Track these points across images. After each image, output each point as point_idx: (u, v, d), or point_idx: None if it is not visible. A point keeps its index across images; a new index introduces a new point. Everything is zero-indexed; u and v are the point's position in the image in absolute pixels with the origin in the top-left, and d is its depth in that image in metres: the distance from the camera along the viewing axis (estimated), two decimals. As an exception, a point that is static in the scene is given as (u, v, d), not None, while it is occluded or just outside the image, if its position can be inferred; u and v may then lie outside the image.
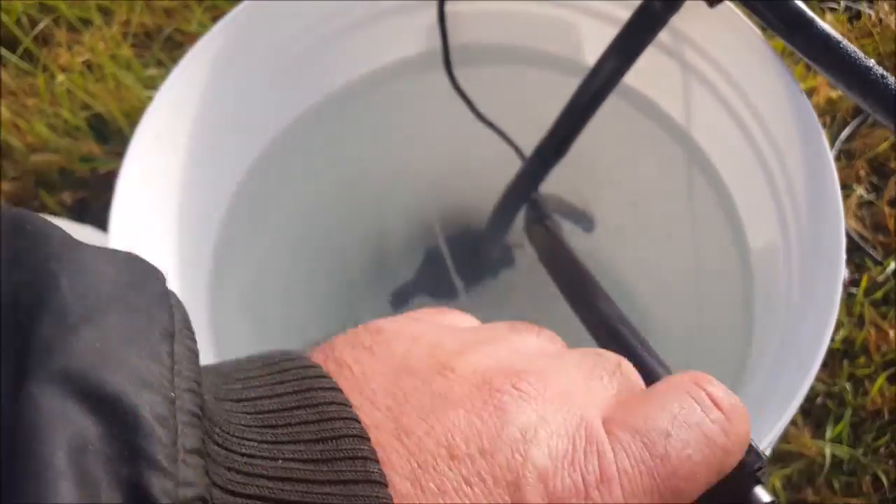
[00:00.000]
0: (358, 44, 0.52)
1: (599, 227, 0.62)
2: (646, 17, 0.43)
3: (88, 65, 0.92)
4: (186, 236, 0.44)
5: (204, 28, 0.96)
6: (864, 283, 0.80)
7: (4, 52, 0.94)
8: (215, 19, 0.96)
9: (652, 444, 0.17)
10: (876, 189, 0.87)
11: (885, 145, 0.88)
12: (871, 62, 0.37)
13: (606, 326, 0.37)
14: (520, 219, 0.61)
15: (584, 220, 0.63)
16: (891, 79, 0.36)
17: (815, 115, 0.39)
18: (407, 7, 0.52)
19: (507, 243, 0.69)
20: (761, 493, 0.28)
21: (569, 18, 0.51)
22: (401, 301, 0.73)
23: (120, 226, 0.38)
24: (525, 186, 0.55)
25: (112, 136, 0.89)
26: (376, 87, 0.55)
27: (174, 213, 0.43)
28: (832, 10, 1.01)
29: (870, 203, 0.87)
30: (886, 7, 1.00)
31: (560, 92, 0.50)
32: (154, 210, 0.42)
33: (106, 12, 0.97)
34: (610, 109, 0.49)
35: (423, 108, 0.57)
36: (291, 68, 0.51)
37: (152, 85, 0.90)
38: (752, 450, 0.29)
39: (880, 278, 0.81)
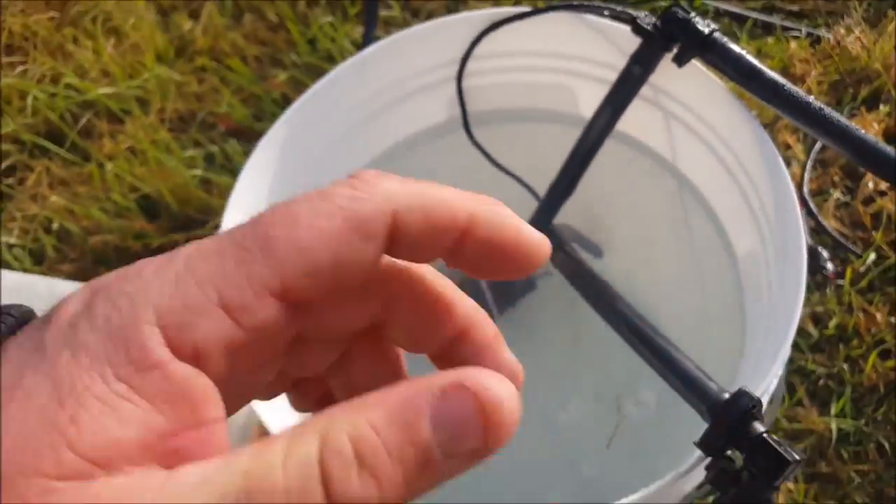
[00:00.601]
0: (394, 117, 0.63)
1: (608, 251, 0.72)
2: (628, 79, 0.54)
3: (132, 151, 1.03)
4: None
5: (233, 109, 1.07)
6: (849, 275, 0.89)
7: (53, 146, 1.05)
8: (243, 101, 1.08)
9: None
10: (850, 191, 0.97)
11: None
12: (811, 98, 0.47)
13: (629, 325, 0.47)
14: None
15: (593, 248, 0.72)
16: (826, 109, 0.46)
17: (772, 142, 0.49)
18: (431, 85, 0.62)
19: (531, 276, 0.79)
20: (757, 425, 0.38)
21: (566, 82, 0.62)
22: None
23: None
24: (542, 220, 0.65)
25: (160, 213, 0.99)
26: (411, 150, 0.65)
27: None
28: (795, 37, 1.13)
29: (846, 204, 0.96)
30: (843, 31, 1.11)
31: (563, 141, 0.60)
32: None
33: (142, 102, 1.08)
34: (608, 151, 0.59)
35: (450, 164, 0.67)
36: (342, 142, 0.61)
37: (193, 164, 1.01)
38: (745, 394, 0.39)
39: (862, 269, 0.90)
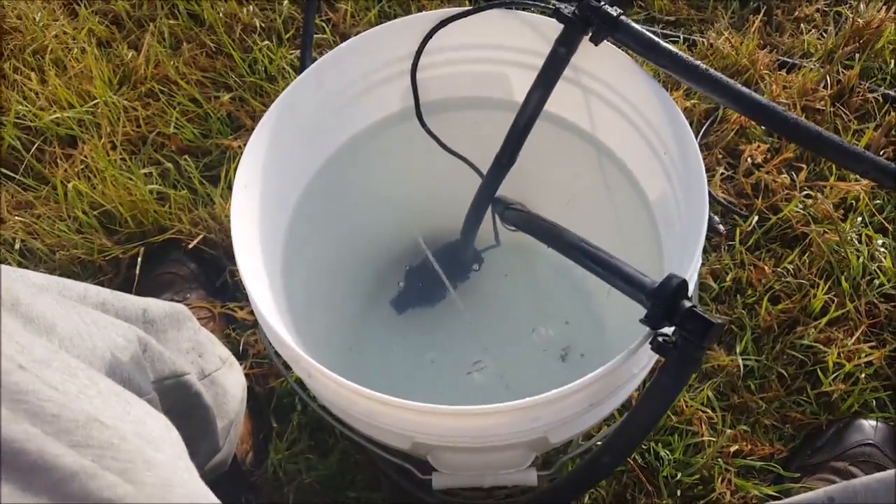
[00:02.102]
0: (357, 109, 0.73)
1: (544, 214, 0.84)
2: (555, 59, 0.66)
3: (89, 171, 1.07)
4: (266, 243, 0.63)
5: (181, 130, 1.13)
6: (738, 236, 1.05)
7: (8, 172, 1.07)
8: (189, 121, 1.14)
9: None
10: (732, 167, 1.14)
11: (731, 135, 1.16)
12: (698, 62, 0.61)
13: (578, 249, 0.58)
14: (486, 223, 0.82)
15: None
16: (710, 70, 0.60)
17: (675, 104, 0.63)
18: (389, 78, 0.73)
19: (476, 247, 0.90)
20: (686, 302, 0.50)
21: (503, 71, 0.74)
22: (401, 306, 0.91)
23: (237, 234, 0.57)
24: (488, 190, 0.76)
25: (120, 227, 1.03)
26: (373, 138, 0.76)
27: (258, 226, 0.62)
28: (674, 42, 1.32)
29: (731, 177, 1.13)
30: (714, 35, 1.31)
31: (502, 125, 0.72)
32: (249, 227, 0.61)
33: (90, 127, 1.12)
34: (538, 130, 0.71)
35: (405, 149, 0.78)
36: (314, 132, 0.70)
37: (149, 180, 1.06)
38: (673, 276, 0.50)
39: (749, 230, 1.06)
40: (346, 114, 0.73)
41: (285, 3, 1.28)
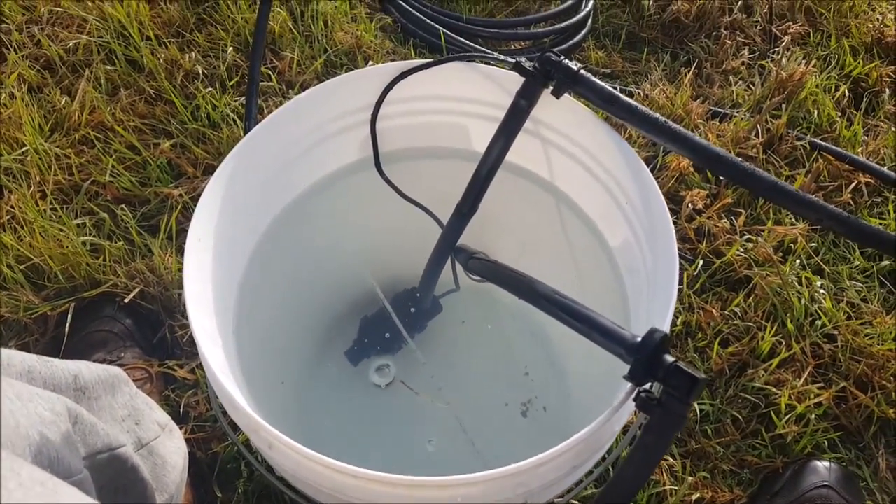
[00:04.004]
0: (314, 158, 0.71)
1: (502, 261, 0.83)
2: (517, 111, 0.67)
3: (17, 222, 0.99)
4: (220, 298, 0.59)
5: (117, 178, 1.08)
6: (685, 280, 1.08)
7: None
8: (127, 168, 1.09)
9: None
10: (675, 213, 1.18)
11: (672, 182, 1.20)
12: (657, 115, 0.62)
13: (549, 300, 0.57)
14: (446, 272, 0.81)
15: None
16: (669, 122, 0.62)
17: (631, 149, 0.64)
18: (347, 128, 0.72)
19: (435, 296, 0.88)
20: (668, 357, 0.49)
21: (461, 122, 0.74)
22: (356, 357, 0.88)
23: (191, 293, 0.53)
24: (449, 239, 0.75)
25: (49, 282, 0.96)
26: (329, 187, 0.73)
27: (212, 280, 0.59)
28: (611, 95, 1.36)
29: (674, 223, 1.16)
30: (649, 86, 1.37)
31: (460, 174, 0.71)
32: (202, 284, 0.57)
33: (18, 175, 1.05)
34: (497, 178, 0.71)
35: (363, 199, 0.76)
36: (270, 182, 0.68)
37: (85, 231, 1.00)
38: (655, 330, 0.50)
39: (695, 274, 1.09)
40: (303, 164, 0.71)
41: (229, 50, 1.26)
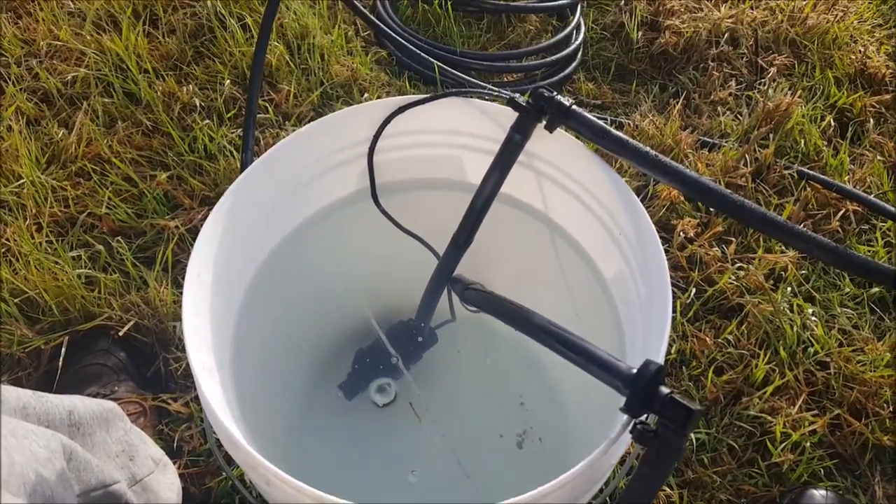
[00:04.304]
0: (312, 191, 0.72)
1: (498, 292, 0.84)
2: (511, 144, 0.68)
3: (12, 255, 0.99)
4: (217, 331, 0.60)
5: (113, 210, 1.08)
6: (679, 308, 1.09)
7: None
8: (123, 200, 1.10)
9: None
10: (666, 241, 1.19)
11: (663, 211, 1.22)
12: (648, 148, 0.64)
13: (546, 332, 0.58)
14: (442, 302, 0.82)
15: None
16: (659, 155, 0.63)
17: (623, 181, 0.65)
18: (345, 161, 0.73)
19: (431, 326, 0.88)
20: (664, 388, 0.50)
21: (456, 154, 0.75)
22: (350, 390, 0.88)
23: (190, 328, 0.53)
24: (445, 271, 0.76)
25: (43, 315, 0.96)
26: (327, 218, 0.74)
27: (210, 313, 0.59)
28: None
29: (666, 251, 1.17)
30: (639, 117, 1.39)
31: (455, 205, 0.72)
32: (201, 318, 0.57)
33: (15, 208, 1.06)
34: (492, 210, 0.72)
35: (360, 229, 0.77)
36: (270, 214, 0.69)
37: (77, 264, 1.00)
38: (650, 362, 0.50)
39: (688, 302, 1.10)
40: (301, 195, 0.72)
41: (227, 83, 1.27)
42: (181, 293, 0.98)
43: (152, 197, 1.11)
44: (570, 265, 0.76)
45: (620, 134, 0.63)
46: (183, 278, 1.00)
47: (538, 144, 0.71)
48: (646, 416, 0.51)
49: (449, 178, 0.78)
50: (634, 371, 0.51)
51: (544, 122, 0.67)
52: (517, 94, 0.67)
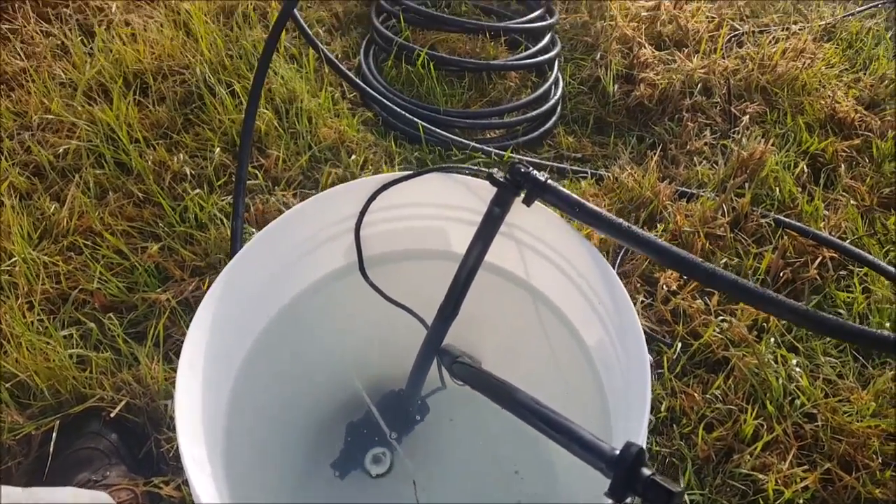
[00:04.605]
0: (301, 268, 0.74)
1: (486, 363, 0.85)
2: (491, 218, 0.71)
3: (5, 337, 1.00)
4: (208, 418, 0.60)
5: (105, 285, 1.09)
6: (665, 364, 1.10)
7: None
8: (115, 274, 1.11)
9: None
10: (650, 294, 1.21)
11: (645, 264, 1.24)
12: (621, 220, 0.66)
13: (530, 410, 0.60)
14: (432, 372, 0.83)
15: (474, 361, 0.86)
16: (633, 227, 0.66)
17: (599, 253, 0.67)
18: (332, 237, 0.75)
19: (422, 395, 0.89)
20: (645, 470, 0.51)
21: (440, 226, 0.78)
22: (343, 468, 0.88)
23: (182, 422, 0.54)
24: (434, 342, 0.77)
25: (34, 400, 0.95)
26: (317, 293, 0.76)
27: (201, 402, 0.60)
28: (583, 178, 1.42)
29: (650, 305, 1.20)
30: (618, 170, 1.42)
31: (441, 273, 0.74)
32: (192, 411, 0.58)
33: (6, 288, 1.07)
34: (479, 279, 0.74)
35: (350, 301, 0.79)
36: (259, 295, 0.70)
37: (68, 344, 1.00)
38: (631, 444, 0.52)
39: (675, 357, 1.11)
40: (291, 273, 0.74)
41: (217, 150, 1.30)
42: (172, 369, 0.99)
43: (143, 269, 1.12)
44: (554, 332, 0.78)
45: (595, 207, 0.66)
46: (174, 353, 1.02)
47: (518, 216, 0.73)
48: (630, 499, 0.52)
49: (434, 249, 0.81)
50: (617, 452, 0.52)
51: (522, 196, 0.69)
52: (495, 170, 0.69)
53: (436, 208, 0.77)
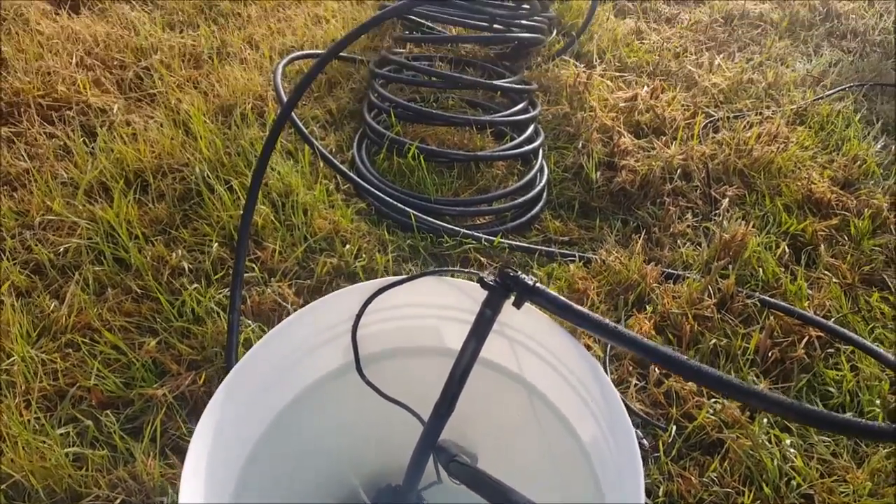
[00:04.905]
0: (300, 370, 0.76)
1: (482, 456, 0.86)
2: (483, 319, 0.73)
3: (2, 437, 1.00)
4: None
5: (102, 381, 1.10)
6: (661, 447, 1.11)
7: None
8: (112, 371, 1.12)
9: None
10: (643, 377, 1.23)
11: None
12: (606, 319, 0.69)
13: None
14: (429, 465, 0.83)
15: (471, 456, 0.86)
16: (618, 326, 0.69)
17: (589, 353, 0.70)
18: (329, 339, 0.77)
19: (419, 490, 0.89)
20: None
21: (434, 324, 0.80)
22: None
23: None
24: (429, 439, 0.78)
25: (29, 501, 0.95)
26: (315, 392, 0.78)
27: (204, 496, 0.60)
28: (572, 261, 1.46)
29: (644, 388, 1.21)
30: (605, 253, 1.47)
31: (437, 369, 0.76)
32: (195, 497, 0.59)
33: (5, 387, 1.07)
34: (475, 374, 0.76)
35: (348, 400, 0.80)
36: (258, 401, 0.72)
37: (65, 442, 1.01)
38: None
39: (670, 440, 1.12)
40: (289, 377, 0.76)
41: (214, 245, 1.34)
42: (168, 465, 0.99)
43: (140, 365, 1.13)
44: (549, 427, 0.79)
45: (582, 309, 0.69)
46: (171, 449, 1.02)
47: (509, 315, 0.76)
48: None
49: (428, 346, 0.83)
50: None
51: (512, 298, 0.72)
52: (485, 273, 0.73)
53: (429, 308, 0.80)
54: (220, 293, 1.27)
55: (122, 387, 1.11)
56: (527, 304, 0.75)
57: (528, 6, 1.95)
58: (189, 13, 2.20)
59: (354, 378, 0.80)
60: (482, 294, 0.74)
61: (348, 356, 0.79)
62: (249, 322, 1.22)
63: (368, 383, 0.80)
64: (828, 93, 2.08)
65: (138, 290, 1.26)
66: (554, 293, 0.71)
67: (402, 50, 2.06)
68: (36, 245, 1.33)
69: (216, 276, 1.30)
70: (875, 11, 2.68)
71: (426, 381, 0.78)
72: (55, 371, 1.11)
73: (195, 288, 1.25)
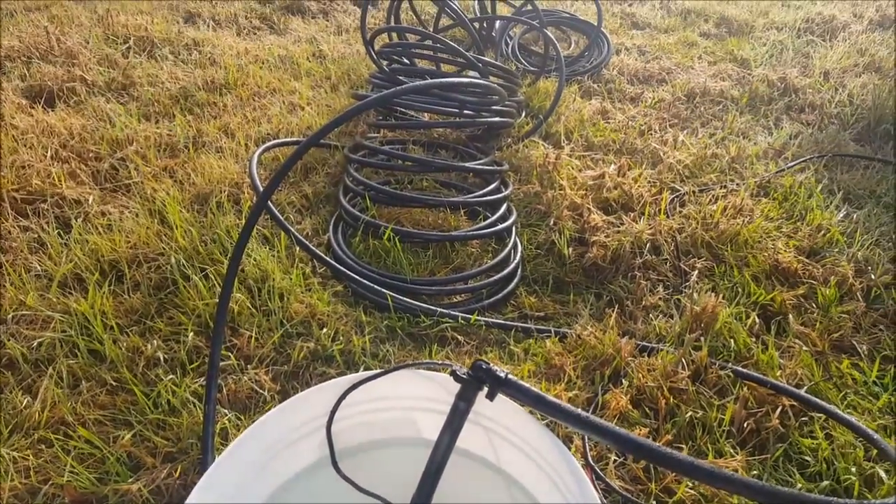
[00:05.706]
0: (273, 469, 0.76)
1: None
2: (457, 411, 0.75)
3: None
4: None
5: (76, 477, 1.08)
6: (643, 525, 1.10)
7: None
8: (86, 466, 1.10)
9: None
10: (622, 453, 1.23)
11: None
12: (578, 409, 0.70)
13: None
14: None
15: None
16: (589, 415, 0.70)
17: (562, 444, 0.71)
18: (304, 436, 0.78)
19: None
20: None
21: (410, 416, 0.81)
22: None
23: None
24: (409, 533, 0.78)
25: None
26: (289, 490, 0.77)
27: None
28: (548, 337, 1.48)
29: (623, 463, 1.22)
30: (579, 328, 1.49)
31: (414, 459, 0.77)
32: None
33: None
34: (452, 463, 0.76)
35: (324, 496, 0.80)
36: (237, 495, 0.72)
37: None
38: None
39: (651, 517, 1.12)
40: (263, 476, 0.76)
41: (190, 335, 1.34)
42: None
43: (115, 459, 1.11)
44: (527, 514, 0.79)
45: (555, 399, 0.71)
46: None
47: (484, 406, 0.77)
48: None
49: (404, 436, 0.83)
50: None
51: (486, 390, 0.74)
52: (458, 366, 0.74)
53: (404, 400, 0.81)
54: (196, 382, 1.26)
55: (96, 482, 1.08)
56: (500, 399, 0.76)
57: (495, 96, 2.04)
58: (165, 104, 2.26)
59: (331, 472, 0.80)
60: (456, 386, 0.75)
61: (324, 450, 0.79)
62: (226, 411, 1.21)
63: (344, 477, 0.80)
64: (789, 165, 2.17)
65: (113, 383, 1.25)
66: (526, 384, 0.72)
67: (375, 135, 2.13)
68: (9, 340, 1.32)
69: (192, 366, 1.29)
70: (830, 86, 2.83)
71: (404, 472, 0.78)
72: (27, 468, 1.09)
73: (170, 379, 1.25)
